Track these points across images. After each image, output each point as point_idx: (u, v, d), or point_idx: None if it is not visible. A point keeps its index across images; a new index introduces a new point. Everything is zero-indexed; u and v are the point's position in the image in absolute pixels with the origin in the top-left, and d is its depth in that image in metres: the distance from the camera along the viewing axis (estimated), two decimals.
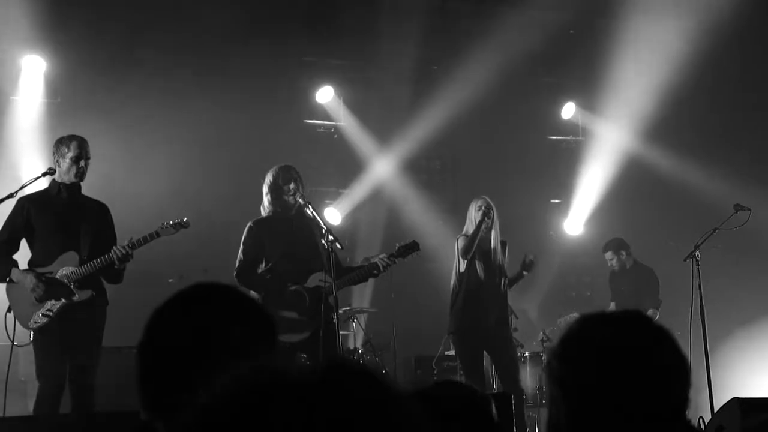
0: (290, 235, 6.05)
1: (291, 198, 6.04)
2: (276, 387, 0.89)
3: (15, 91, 8.45)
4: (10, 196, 5.63)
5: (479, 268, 7.02)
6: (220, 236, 7.12)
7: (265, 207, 6.15)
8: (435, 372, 8.16)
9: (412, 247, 6.18)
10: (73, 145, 5.58)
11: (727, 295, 8.97)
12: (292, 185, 6.03)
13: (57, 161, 5.61)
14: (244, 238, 6.06)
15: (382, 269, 6.07)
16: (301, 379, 0.90)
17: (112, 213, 5.83)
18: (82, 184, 5.67)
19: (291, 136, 9.37)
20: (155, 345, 1.72)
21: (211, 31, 8.75)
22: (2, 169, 8.09)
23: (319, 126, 9.95)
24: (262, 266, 6.05)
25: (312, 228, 6.07)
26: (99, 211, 5.71)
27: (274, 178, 6.10)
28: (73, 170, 5.57)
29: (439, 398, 2.15)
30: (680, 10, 9.51)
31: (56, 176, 5.62)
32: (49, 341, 5.39)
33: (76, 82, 8.46)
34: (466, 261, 7.02)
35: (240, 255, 6.04)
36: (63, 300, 5.45)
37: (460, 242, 7.10)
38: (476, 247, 6.99)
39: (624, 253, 8.94)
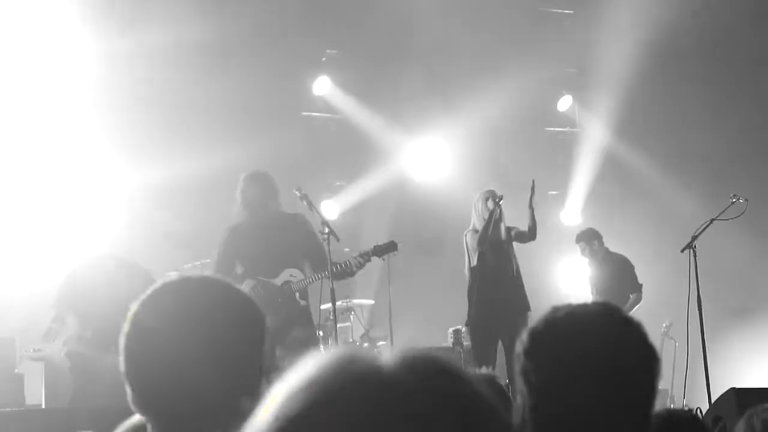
0: (258, 237, 5.98)
1: (265, 212, 6.01)
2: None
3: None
4: None
5: (491, 258, 7.01)
6: (216, 229, 7.10)
7: (238, 211, 6.12)
8: None
9: (389, 247, 6.12)
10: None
11: (725, 284, 8.97)
12: (268, 204, 5.99)
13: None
14: (217, 244, 6.12)
15: (355, 268, 5.99)
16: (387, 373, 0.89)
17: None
18: None
19: (288, 129, 9.34)
20: (139, 339, 1.69)
21: (208, 27, 8.71)
22: None
23: (317, 118, 9.92)
24: (237, 270, 6.07)
25: (287, 227, 6.04)
26: None
27: (251, 197, 6.02)
28: None
29: None
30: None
31: None
32: None
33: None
34: (477, 254, 7.00)
35: (214, 260, 6.12)
36: None
37: (470, 237, 7.07)
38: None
39: (596, 242, 8.75)
